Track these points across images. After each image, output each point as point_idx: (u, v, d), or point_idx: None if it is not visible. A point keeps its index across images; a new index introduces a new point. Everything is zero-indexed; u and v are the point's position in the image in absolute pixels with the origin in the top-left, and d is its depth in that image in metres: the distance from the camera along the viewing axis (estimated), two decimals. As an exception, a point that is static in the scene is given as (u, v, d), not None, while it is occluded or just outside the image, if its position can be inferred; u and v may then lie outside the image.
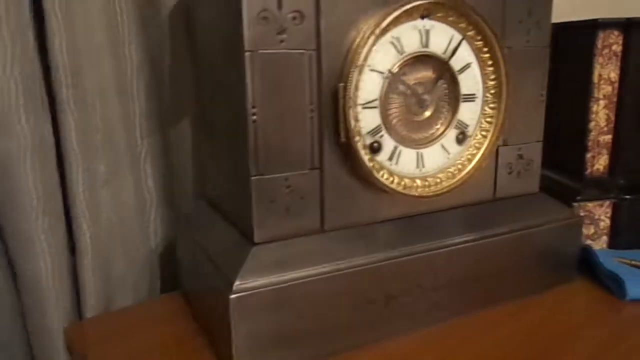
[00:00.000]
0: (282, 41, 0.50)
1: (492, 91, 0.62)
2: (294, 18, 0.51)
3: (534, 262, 0.67)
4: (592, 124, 0.79)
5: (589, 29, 0.77)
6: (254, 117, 0.51)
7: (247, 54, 0.49)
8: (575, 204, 0.78)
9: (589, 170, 0.81)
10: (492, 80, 0.62)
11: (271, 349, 0.52)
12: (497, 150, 0.65)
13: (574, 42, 0.82)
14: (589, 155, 0.80)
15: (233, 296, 0.49)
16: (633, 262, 0.72)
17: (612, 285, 0.68)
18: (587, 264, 0.73)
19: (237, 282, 0.50)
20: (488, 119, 0.63)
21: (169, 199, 0.76)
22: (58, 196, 0.62)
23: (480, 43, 0.60)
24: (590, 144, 0.80)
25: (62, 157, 0.61)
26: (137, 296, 0.72)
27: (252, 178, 0.52)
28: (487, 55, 0.61)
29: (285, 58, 0.51)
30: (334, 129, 0.54)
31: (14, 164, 0.57)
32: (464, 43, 0.59)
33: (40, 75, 0.59)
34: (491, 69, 0.61)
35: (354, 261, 0.55)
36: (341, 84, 0.53)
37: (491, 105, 0.62)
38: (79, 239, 0.63)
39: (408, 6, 0.54)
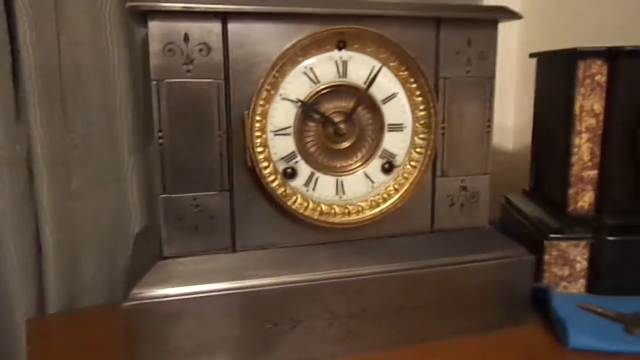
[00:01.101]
0: (188, 71, 0.54)
1: (422, 122, 0.61)
2: (201, 50, 0.54)
3: (472, 299, 0.64)
4: (574, 158, 0.75)
5: (569, 57, 0.73)
6: (160, 141, 0.55)
7: (153, 82, 0.54)
8: (546, 242, 0.73)
9: (571, 207, 0.76)
10: (422, 110, 0.61)
11: (164, 359, 0.55)
12: (433, 182, 0.64)
13: (554, 72, 0.78)
14: (571, 191, 0.75)
15: (126, 304, 0.54)
16: (600, 311, 0.67)
17: (559, 331, 0.63)
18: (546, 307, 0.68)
19: (133, 291, 0.54)
20: (418, 150, 0.62)
21: (153, 211, 0.82)
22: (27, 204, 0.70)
23: (405, 73, 0.60)
24: (572, 179, 0.75)
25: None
26: (113, 299, 0.79)
27: (161, 196, 0.56)
28: (414, 85, 0.60)
29: (192, 87, 0.55)
30: (243, 154, 0.57)
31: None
32: (386, 73, 0.59)
33: (12, 93, 0.68)
34: (419, 99, 0.61)
35: (259, 281, 0.57)
36: (246, 112, 0.55)
37: (421, 136, 0.62)
38: (43, 243, 0.70)
39: (317, 36, 0.56)
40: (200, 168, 0.57)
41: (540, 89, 0.84)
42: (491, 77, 0.64)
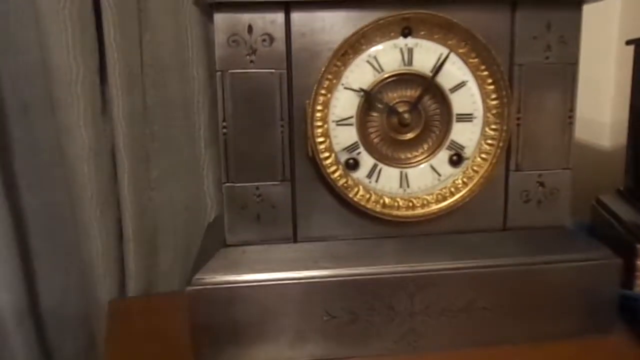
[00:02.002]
0: (251, 62, 0.55)
1: (494, 111, 0.58)
2: (264, 40, 0.55)
3: (549, 303, 0.59)
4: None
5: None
6: (224, 130, 0.56)
7: (218, 73, 0.55)
8: (639, 245, 0.66)
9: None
10: (494, 99, 0.58)
11: (225, 344, 0.56)
12: (507, 176, 0.60)
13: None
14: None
15: (189, 289, 0.55)
16: (702, 324, 0.59)
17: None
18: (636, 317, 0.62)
19: (196, 277, 0.56)
20: (489, 141, 0.58)
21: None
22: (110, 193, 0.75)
23: (475, 60, 0.57)
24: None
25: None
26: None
27: (224, 185, 0.58)
28: (485, 72, 0.57)
29: (254, 77, 0.55)
30: (305, 144, 0.57)
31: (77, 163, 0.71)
32: (455, 60, 0.56)
33: (99, 90, 0.73)
34: (491, 87, 0.57)
35: (319, 272, 0.57)
36: (307, 101, 0.55)
37: (493, 127, 0.58)
38: (125, 229, 0.75)
39: (381, 22, 0.54)
40: (262, 158, 0.57)
41: (638, 79, 0.77)
42: (573, 64, 0.58)
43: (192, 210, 0.83)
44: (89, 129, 0.71)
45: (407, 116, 0.57)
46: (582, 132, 0.99)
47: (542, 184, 0.61)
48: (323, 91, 0.55)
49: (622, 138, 0.95)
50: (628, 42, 0.77)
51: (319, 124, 0.56)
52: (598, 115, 1.03)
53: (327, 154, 0.57)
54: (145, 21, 0.74)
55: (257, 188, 0.58)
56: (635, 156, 0.78)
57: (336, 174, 0.57)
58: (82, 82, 0.70)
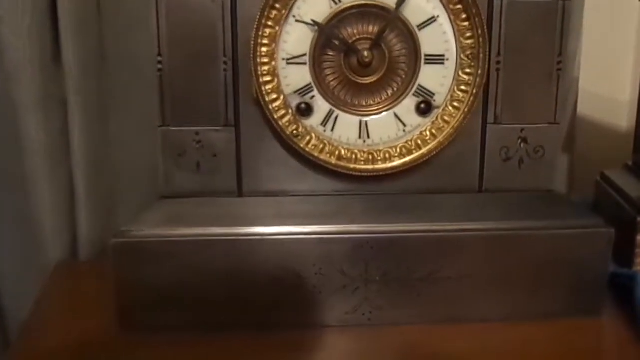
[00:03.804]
0: (191, -14, 0.49)
1: (469, 52, 0.50)
2: (205, -37, 0.49)
3: (528, 277, 0.51)
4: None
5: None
6: (159, 66, 0.50)
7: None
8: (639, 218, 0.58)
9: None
10: (469, 38, 0.50)
11: (151, 305, 0.50)
12: (484, 129, 0.53)
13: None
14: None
15: (114, 240, 0.49)
16: None
17: (643, 326, 0.49)
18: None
19: (123, 228, 0.50)
20: (463, 87, 0.51)
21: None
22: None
23: (448, -9, 0.49)
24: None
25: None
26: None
27: (159, 128, 0.52)
28: (458, 6, 0.49)
29: (194, 5, 0.49)
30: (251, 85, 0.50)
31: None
32: (424, -9, 0.49)
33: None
34: (466, 24, 0.50)
35: (262, 229, 0.50)
36: (251, 33, 0.49)
37: (467, 71, 0.51)
38: (77, 188, 0.69)
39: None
40: (203, 99, 0.51)
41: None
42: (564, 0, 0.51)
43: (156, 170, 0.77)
44: (36, 76, 0.66)
45: (367, 54, 0.50)
46: (600, 110, 0.91)
47: (524, 140, 0.53)
48: (270, 22, 0.49)
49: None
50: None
51: (265, 60, 0.49)
52: (617, 94, 0.95)
53: (274, 96, 0.50)
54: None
55: (197, 134, 0.51)
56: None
57: (285, 119, 0.50)
58: (29, 25, 0.65)
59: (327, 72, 0.51)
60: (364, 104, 0.52)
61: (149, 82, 0.73)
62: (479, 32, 0.49)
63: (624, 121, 0.95)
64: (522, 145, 0.53)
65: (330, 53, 0.51)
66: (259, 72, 0.49)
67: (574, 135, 0.86)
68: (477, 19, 0.49)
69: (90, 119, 0.69)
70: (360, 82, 0.51)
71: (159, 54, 0.50)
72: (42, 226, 0.70)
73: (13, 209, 0.72)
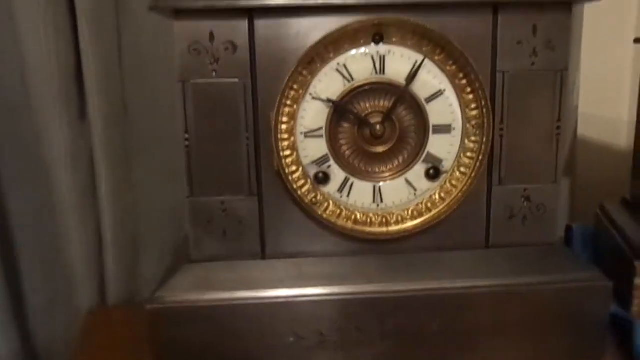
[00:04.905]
0: (214, 71, 0.52)
1: (474, 122, 0.54)
2: (226, 48, 0.52)
3: (534, 327, 0.55)
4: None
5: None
6: (187, 142, 0.54)
7: (179, 83, 0.53)
8: (637, 263, 0.62)
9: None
10: (473, 109, 0.54)
11: (185, 361, 0.54)
12: (489, 190, 0.56)
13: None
14: (677, 204, 0.63)
15: (149, 307, 0.53)
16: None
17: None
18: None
19: (157, 294, 0.54)
20: (469, 154, 0.55)
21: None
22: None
23: (452, 68, 0.53)
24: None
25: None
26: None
27: (188, 199, 0.55)
28: (463, 81, 0.53)
29: (218, 87, 0.53)
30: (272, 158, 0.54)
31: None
32: (431, 68, 0.53)
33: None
34: (470, 96, 0.53)
35: (286, 292, 0.54)
36: (270, 113, 0.52)
37: (472, 139, 0.54)
38: (104, 235, 0.73)
39: (349, 29, 0.51)
40: (227, 171, 0.55)
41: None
42: (562, 70, 0.54)
43: (178, 215, 0.81)
44: (65, 131, 0.70)
45: (379, 128, 0.54)
46: (600, 131, 0.94)
47: (527, 199, 0.57)
48: (288, 102, 0.52)
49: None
50: (636, 41, 0.72)
51: (285, 136, 0.53)
52: (616, 115, 0.98)
53: (294, 168, 0.54)
54: (123, 20, 0.72)
55: (222, 203, 0.55)
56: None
57: (304, 189, 0.54)
58: (57, 82, 0.69)
59: (342, 142, 0.55)
60: (377, 170, 0.56)
61: (169, 129, 0.77)
62: (483, 103, 0.53)
63: (624, 141, 0.99)
64: (525, 203, 0.57)
65: (345, 125, 0.54)
66: (280, 147, 0.53)
67: (575, 159, 0.89)
68: (480, 92, 0.53)
69: (115, 166, 0.73)
70: (373, 151, 0.55)
71: (186, 131, 0.54)
72: (73, 272, 0.74)
73: (45, 254, 0.77)
